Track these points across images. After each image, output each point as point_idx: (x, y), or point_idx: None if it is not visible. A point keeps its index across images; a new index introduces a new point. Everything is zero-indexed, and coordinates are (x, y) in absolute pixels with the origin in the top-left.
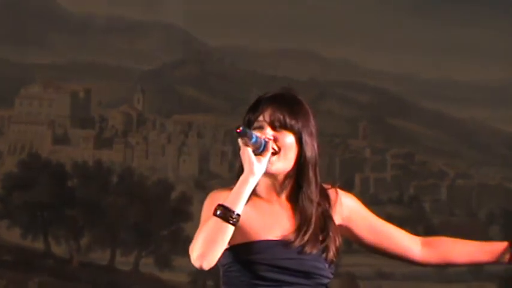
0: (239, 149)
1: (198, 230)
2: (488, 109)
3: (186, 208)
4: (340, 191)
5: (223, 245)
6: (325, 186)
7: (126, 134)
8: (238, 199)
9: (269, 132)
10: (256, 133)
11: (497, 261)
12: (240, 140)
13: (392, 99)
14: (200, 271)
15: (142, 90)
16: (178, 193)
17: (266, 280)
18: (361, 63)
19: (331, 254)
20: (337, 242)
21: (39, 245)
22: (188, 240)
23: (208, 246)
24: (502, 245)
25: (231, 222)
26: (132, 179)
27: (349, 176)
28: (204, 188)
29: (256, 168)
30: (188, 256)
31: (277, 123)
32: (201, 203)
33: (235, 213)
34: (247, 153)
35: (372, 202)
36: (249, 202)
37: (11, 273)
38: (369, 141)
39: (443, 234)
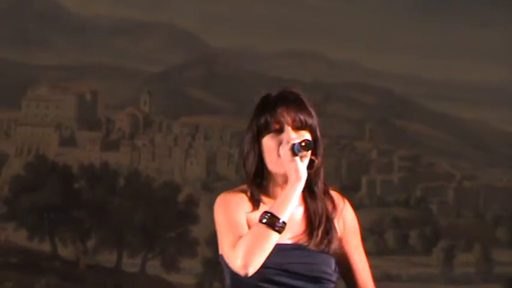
0: (247, 150)
1: (223, 235)
2: (494, 110)
3: (193, 210)
4: (346, 201)
5: (267, 251)
6: (329, 188)
7: (132, 136)
8: (285, 206)
9: (293, 135)
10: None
11: None
12: (287, 150)
13: (398, 100)
14: (207, 273)
15: (149, 92)
16: (185, 195)
17: (277, 284)
18: (367, 65)
19: (333, 247)
20: (337, 235)
21: (45, 247)
22: (195, 242)
23: (253, 254)
24: None
25: (277, 229)
26: (138, 181)
27: (355, 178)
28: (211, 190)
29: (303, 175)
30: (194, 258)
31: (298, 124)
32: (208, 205)
33: (281, 220)
34: (295, 161)
35: (378, 204)
36: (264, 204)
37: (17, 275)
38: (375, 143)
39: (451, 237)
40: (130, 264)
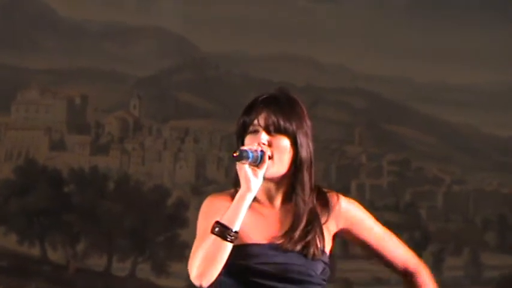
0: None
1: (196, 240)
2: (483, 114)
3: (183, 214)
4: (342, 198)
5: (222, 262)
6: (325, 190)
7: (122, 140)
8: (235, 216)
9: (264, 138)
10: (250, 149)
11: None
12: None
13: (388, 104)
14: None
15: (138, 95)
16: (175, 199)
17: (254, 286)
18: (356, 69)
19: (311, 250)
20: (321, 240)
21: (35, 251)
22: (184, 245)
23: (207, 265)
24: None
25: (229, 240)
26: (128, 185)
27: (345, 183)
28: (201, 194)
29: (253, 185)
30: (184, 262)
31: (271, 128)
32: (198, 209)
33: (233, 230)
34: (243, 169)
35: (368, 209)
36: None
37: (7, 279)
38: (364, 147)
39: (440, 241)
40: (120, 268)
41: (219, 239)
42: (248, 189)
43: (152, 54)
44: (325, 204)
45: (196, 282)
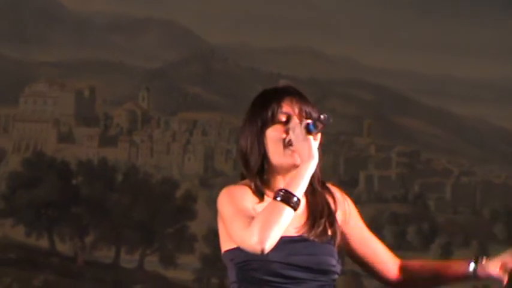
0: (251, 144)
1: (232, 220)
2: (491, 106)
3: (191, 206)
4: (345, 194)
5: (283, 227)
6: (327, 183)
7: (131, 132)
8: (298, 183)
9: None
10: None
11: (464, 277)
12: (302, 128)
13: (396, 96)
14: (204, 269)
15: (147, 88)
16: (183, 191)
17: (284, 278)
18: (364, 61)
19: (336, 240)
20: (340, 230)
21: (43, 243)
22: (193, 238)
23: (269, 228)
24: (464, 262)
25: (292, 205)
26: (137, 177)
27: (353, 174)
28: (209, 186)
29: (316, 154)
30: (193, 254)
31: (304, 115)
32: (206, 201)
33: (296, 197)
34: (309, 140)
35: (376, 200)
36: (268, 197)
37: (15, 271)
38: (373, 139)
39: (448, 233)
40: (129, 260)
41: (281, 204)
42: (312, 156)
43: (160, 46)
44: (331, 196)
45: (257, 247)
